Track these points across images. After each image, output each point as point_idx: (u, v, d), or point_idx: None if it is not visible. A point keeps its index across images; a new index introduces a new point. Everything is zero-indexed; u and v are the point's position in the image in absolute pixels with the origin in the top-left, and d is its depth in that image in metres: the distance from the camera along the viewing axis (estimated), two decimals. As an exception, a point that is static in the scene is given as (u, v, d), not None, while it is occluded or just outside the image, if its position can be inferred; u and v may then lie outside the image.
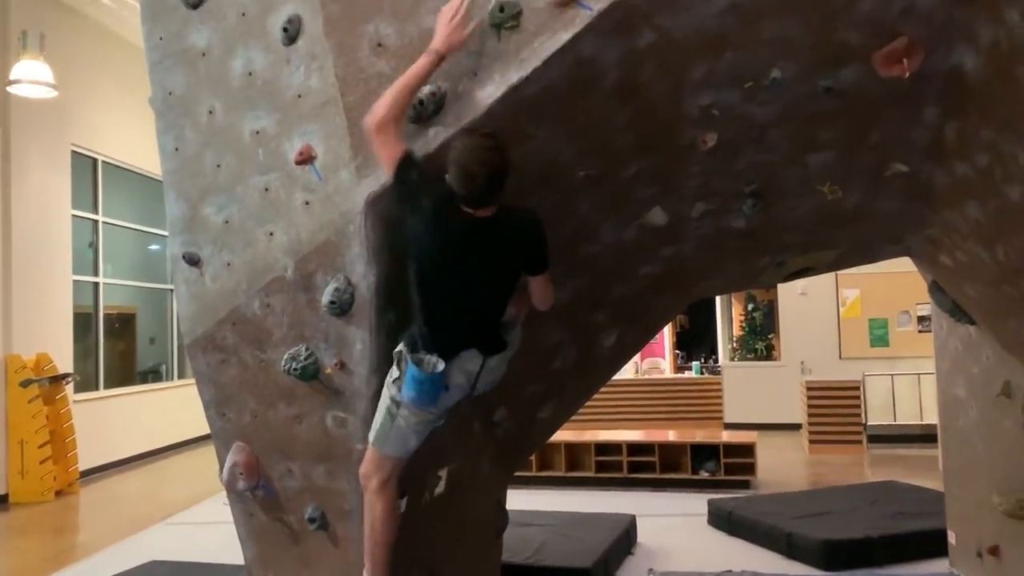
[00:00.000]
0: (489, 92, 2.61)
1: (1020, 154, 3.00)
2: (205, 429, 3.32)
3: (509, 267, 2.78)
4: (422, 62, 2.53)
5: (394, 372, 2.77)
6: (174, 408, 11.76)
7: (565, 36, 2.58)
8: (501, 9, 2.58)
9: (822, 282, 11.20)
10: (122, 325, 12.09)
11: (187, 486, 9.50)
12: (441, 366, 2.65)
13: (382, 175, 2.68)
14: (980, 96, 2.99)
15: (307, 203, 2.83)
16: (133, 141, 11.05)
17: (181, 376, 12.68)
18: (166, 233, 3.21)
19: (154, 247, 12.45)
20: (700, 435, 9.09)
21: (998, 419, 4.35)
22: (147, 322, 12.72)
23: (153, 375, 12.61)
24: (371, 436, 2.86)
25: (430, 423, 2.88)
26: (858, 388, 10.35)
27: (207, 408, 3.27)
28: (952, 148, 3.36)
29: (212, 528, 7.08)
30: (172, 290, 10.65)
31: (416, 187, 2.55)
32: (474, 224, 2.59)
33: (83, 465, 9.63)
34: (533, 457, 7.80)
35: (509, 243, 2.70)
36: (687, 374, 13.20)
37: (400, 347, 2.75)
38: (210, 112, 2.99)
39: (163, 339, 12.89)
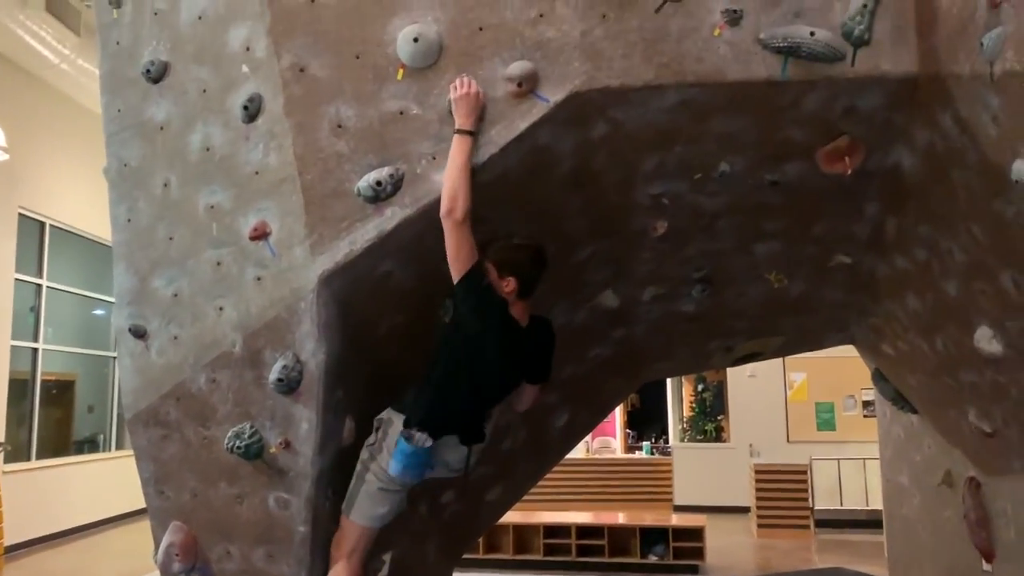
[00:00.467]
0: (446, 175, 2.65)
1: (955, 250, 3.12)
2: (142, 503, 3.21)
3: (524, 371, 3.00)
4: (462, 146, 2.57)
5: (371, 439, 2.85)
6: (110, 480, 11.33)
7: (522, 125, 2.65)
8: (460, 97, 2.64)
9: (770, 365, 11.37)
10: (60, 392, 11.71)
11: (121, 563, 9.09)
12: (429, 443, 2.74)
13: (337, 253, 2.70)
14: (917, 194, 3.12)
15: (259, 279, 2.81)
16: (83, 205, 10.93)
17: (119, 447, 12.26)
18: (112, 299, 3.17)
19: (98, 312, 12.18)
20: (649, 518, 9.04)
21: (940, 508, 4.41)
22: (87, 389, 12.35)
23: (90, 445, 12.17)
24: (345, 506, 2.91)
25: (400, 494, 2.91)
26: (805, 472, 10.43)
27: (145, 485, 3.16)
28: (892, 242, 3.49)
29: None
30: (115, 357, 10.40)
31: (482, 291, 2.69)
32: (521, 331, 2.83)
33: (10, 539, 9.17)
34: (480, 539, 7.66)
35: (535, 350, 2.97)
36: (638, 454, 13.18)
37: (385, 415, 2.84)
38: (165, 185, 2.98)
39: (102, 408, 12.50)
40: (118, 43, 3.09)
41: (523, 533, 8.38)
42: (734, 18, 2.66)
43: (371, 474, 2.84)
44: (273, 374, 2.79)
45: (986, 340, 3.19)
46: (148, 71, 2.97)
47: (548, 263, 2.85)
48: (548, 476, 7.66)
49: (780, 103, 2.80)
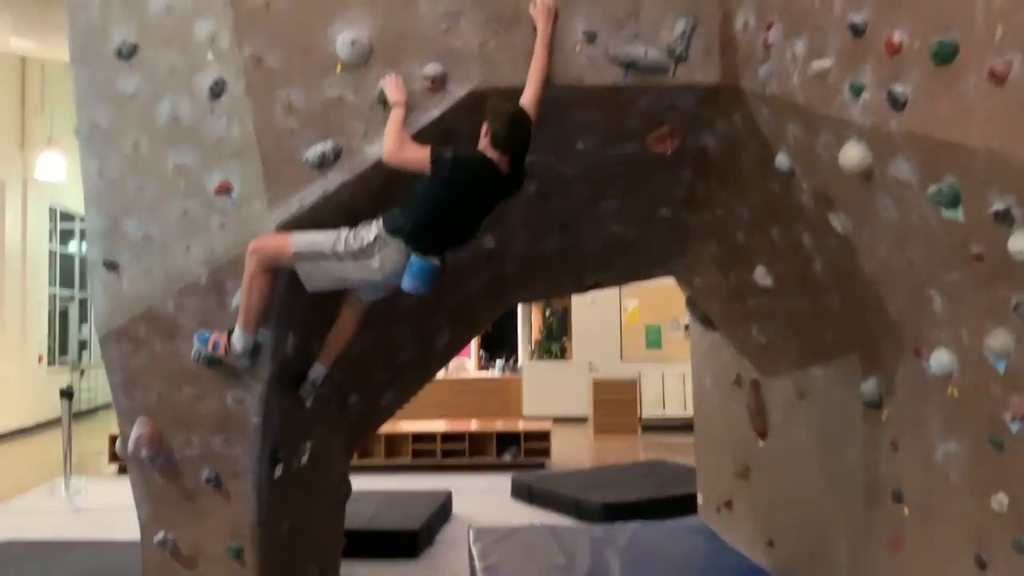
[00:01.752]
0: (376, 149, 3.48)
1: (743, 210, 4.28)
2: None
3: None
4: (398, 111, 3.37)
5: (352, 243, 3.39)
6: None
7: (434, 112, 3.51)
8: (387, 89, 3.47)
9: (608, 293, 12.77)
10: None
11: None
12: (436, 261, 3.44)
13: (290, 207, 3.48)
14: (718, 168, 4.23)
15: (223, 225, 3.55)
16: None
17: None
18: None
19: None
20: (501, 425, 10.25)
21: (732, 403, 5.73)
22: None
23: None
24: (297, 238, 3.39)
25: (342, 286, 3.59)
26: (635, 384, 11.97)
27: (115, 389, 3.85)
28: (700, 201, 4.61)
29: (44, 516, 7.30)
30: None
31: (452, 163, 3.31)
32: (502, 177, 3.44)
33: None
34: (355, 446, 8.58)
35: (507, 195, 3.58)
36: (491, 371, 14.41)
37: (375, 232, 3.38)
38: (135, 145, 3.63)
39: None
40: (87, 21, 3.65)
41: (393, 441, 9.38)
42: (591, 38, 3.61)
43: (342, 267, 3.37)
44: (235, 300, 3.56)
45: (761, 276, 4.39)
46: (120, 51, 3.58)
47: (524, 125, 3.41)
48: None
49: (622, 101, 3.79)
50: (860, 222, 3.15)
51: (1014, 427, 2.56)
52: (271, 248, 3.42)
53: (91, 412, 16.73)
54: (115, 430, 9.73)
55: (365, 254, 3.39)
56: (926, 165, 2.56)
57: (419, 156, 3.32)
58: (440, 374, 13.60)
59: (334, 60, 3.48)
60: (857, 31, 2.74)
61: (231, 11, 3.45)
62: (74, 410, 9.44)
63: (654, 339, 13.36)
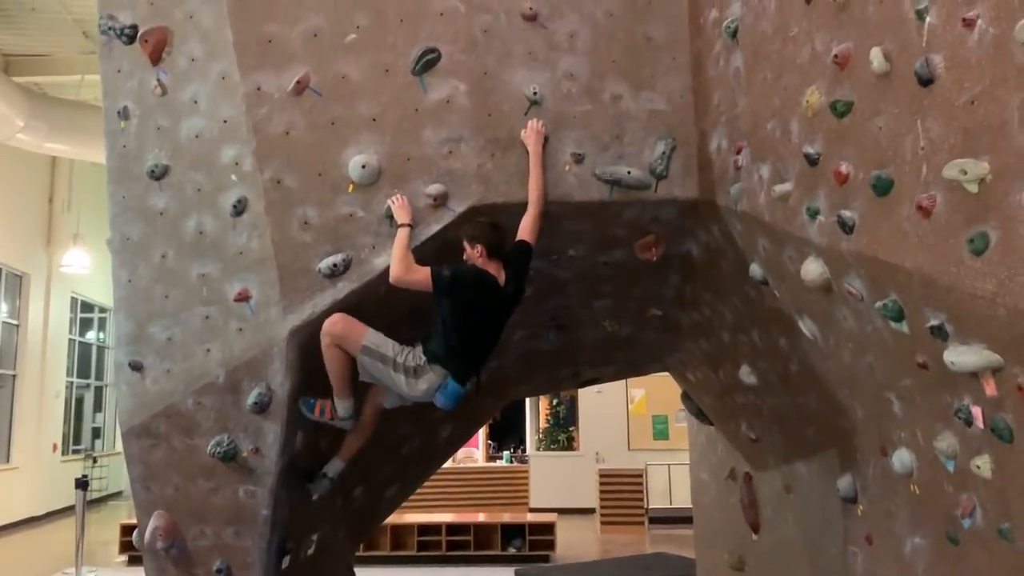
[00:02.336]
0: (383, 260, 3.82)
1: (726, 312, 4.56)
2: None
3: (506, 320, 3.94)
4: (404, 232, 3.75)
5: (406, 360, 3.77)
6: None
7: (436, 227, 3.86)
8: (393, 206, 3.82)
9: (615, 383, 12.97)
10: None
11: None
12: (470, 386, 3.85)
13: (302, 313, 3.80)
14: (702, 272, 4.53)
15: (240, 329, 3.86)
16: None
17: None
18: None
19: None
20: (508, 516, 10.33)
21: (727, 496, 5.89)
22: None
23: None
24: (370, 335, 3.74)
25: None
26: (641, 476, 12.04)
27: (134, 483, 4.09)
28: (688, 302, 4.90)
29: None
30: None
31: (451, 279, 3.66)
32: (500, 286, 3.76)
33: None
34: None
35: (516, 303, 3.89)
36: (498, 462, 14.49)
37: (420, 359, 3.77)
38: (163, 256, 3.97)
39: None
40: (124, 146, 4.05)
41: (398, 532, 9.47)
42: (578, 159, 3.98)
43: (395, 376, 3.74)
44: (250, 399, 3.84)
45: (746, 374, 4.64)
46: (152, 171, 3.96)
47: (503, 230, 3.76)
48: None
49: (608, 214, 4.13)
50: (825, 329, 3.42)
51: (965, 523, 2.76)
52: (342, 330, 3.74)
53: (101, 501, 16.81)
54: (126, 520, 9.90)
55: (416, 374, 3.79)
56: (874, 282, 2.84)
57: (422, 276, 3.66)
58: (448, 464, 13.74)
59: (346, 181, 3.85)
60: (811, 160, 3.07)
61: (254, 138, 3.84)
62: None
63: (661, 429, 13.48)
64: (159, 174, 3.98)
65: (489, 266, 3.76)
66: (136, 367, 4.01)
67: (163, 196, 3.99)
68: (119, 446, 16.67)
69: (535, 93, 3.91)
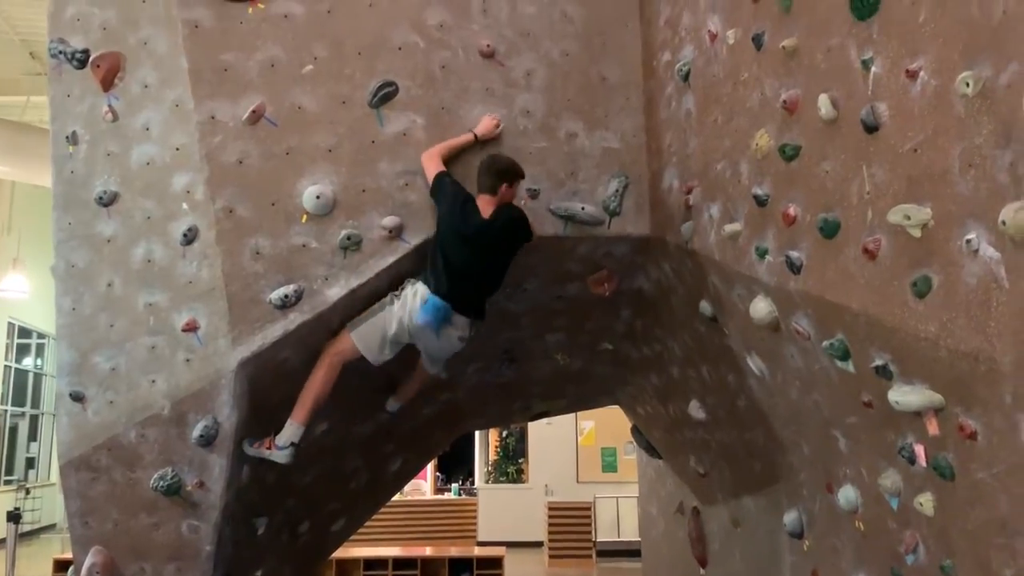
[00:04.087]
0: (336, 291, 3.78)
1: (675, 347, 4.61)
2: None
3: (508, 254, 3.89)
4: (465, 136, 3.89)
5: (402, 297, 3.76)
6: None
7: (392, 258, 3.84)
8: (348, 237, 3.80)
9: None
10: None
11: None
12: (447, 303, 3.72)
13: (252, 345, 3.73)
14: (652, 307, 4.59)
15: (188, 360, 3.78)
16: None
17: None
18: None
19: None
20: (456, 550, 10.21)
21: (675, 531, 5.92)
22: None
23: None
24: (351, 325, 3.78)
25: (400, 345, 3.87)
26: (590, 509, 12.02)
27: (71, 517, 3.95)
28: (639, 336, 4.95)
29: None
30: None
31: (438, 185, 3.75)
32: (486, 222, 3.72)
33: None
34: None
35: (505, 233, 3.80)
36: (447, 495, 14.35)
37: (408, 281, 3.77)
38: (109, 284, 3.88)
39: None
40: (72, 172, 3.97)
41: (344, 566, 9.29)
42: (534, 194, 4.01)
43: (385, 316, 3.75)
44: (196, 431, 3.75)
45: (695, 409, 4.69)
46: (100, 198, 3.89)
47: (491, 164, 3.80)
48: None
49: (563, 249, 4.17)
50: (773, 367, 3.48)
51: (909, 559, 2.82)
52: (342, 348, 3.82)
53: (34, 534, 16.18)
54: (60, 555, 9.53)
55: (398, 297, 3.80)
56: (820, 322, 2.91)
57: (433, 168, 3.81)
58: (395, 496, 13.56)
59: (300, 211, 3.82)
60: (760, 202, 3.15)
61: (207, 166, 3.79)
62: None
63: (610, 462, 13.50)
64: (108, 200, 3.90)
65: (480, 200, 3.79)
66: (78, 397, 3.89)
67: (111, 223, 3.91)
68: (54, 476, 16.15)
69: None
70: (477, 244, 3.76)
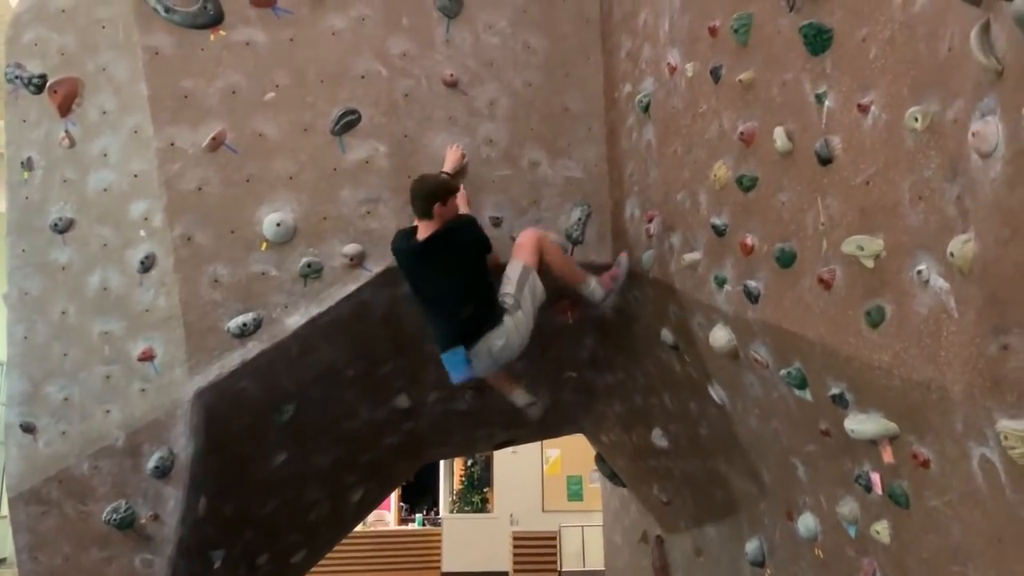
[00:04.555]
0: (295, 320, 3.75)
1: (638, 375, 4.63)
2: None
3: (462, 264, 3.71)
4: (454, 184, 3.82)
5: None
6: None
7: (353, 286, 3.82)
8: (309, 265, 3.77)
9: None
10: None
11: None
12: (444, 354, 3.70)
13: (209, 374, 3.68)
14: (616, 335, 4.61)
15: (143, 390, 3.71)
16: None
17: None
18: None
19: None
20: (420, 582, 10.08)
21: (640, 559, 5.90)
22: None
23: None
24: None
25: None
26: (555, 538, 11.94)
27: (19, 553, 3.84)
28: (603, 364, 4.96)
29: None
30: None
31: (395, 240, 3.76)
32: (422, 245, 3.64)
33: None
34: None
35: (454, 247, 3.66)
36: (410, 526, 14.17)
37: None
38: (63, 312, 3.81)
39: None
40: (27, 198, 3.90)
41: (305, 600, 9.10)
42: (497, 222, 4.02)
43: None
44: (151, 463, 3.67)
45: (658, 437, 4.70)
46: (56, 225, 3.82)
47: (418, 189, 3.66)
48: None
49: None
50: (733, 395, 3.51)
51: (867, 587, 2.83)
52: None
53: (-19, 569, 15.67)
54: (9, 591, 9.24)
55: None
56: (778, 351, 2.94)
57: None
58: (358, 527, 13.36)
59: (260, 239, 3.79)
60: (719, 231, 3.18)
61: (166, 193, 3.75)
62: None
63: (575, 490, 13.43)
64: (63, 227, 3.84)
65: (422, 226, 3.70)
66: (28, 428, 3.80)
67: (66, 250, 3.85)
68: (4, 510, 15.65)
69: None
70: (425, 262, 3.68)
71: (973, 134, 1.86)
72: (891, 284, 2.29)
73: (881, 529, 2.62)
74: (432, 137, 4.00)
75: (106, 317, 3.77)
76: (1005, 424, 1.85)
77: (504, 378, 4.27)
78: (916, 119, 2.14)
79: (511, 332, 3.67)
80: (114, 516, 3.71)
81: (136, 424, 3.72)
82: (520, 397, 4.26)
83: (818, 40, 2.55)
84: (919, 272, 2.15)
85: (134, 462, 3.73)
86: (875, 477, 2.60)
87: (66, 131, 3.91)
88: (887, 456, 2.49)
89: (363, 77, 3.97)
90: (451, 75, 4.05)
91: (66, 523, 3.79)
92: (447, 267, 3.70)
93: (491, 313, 3.65)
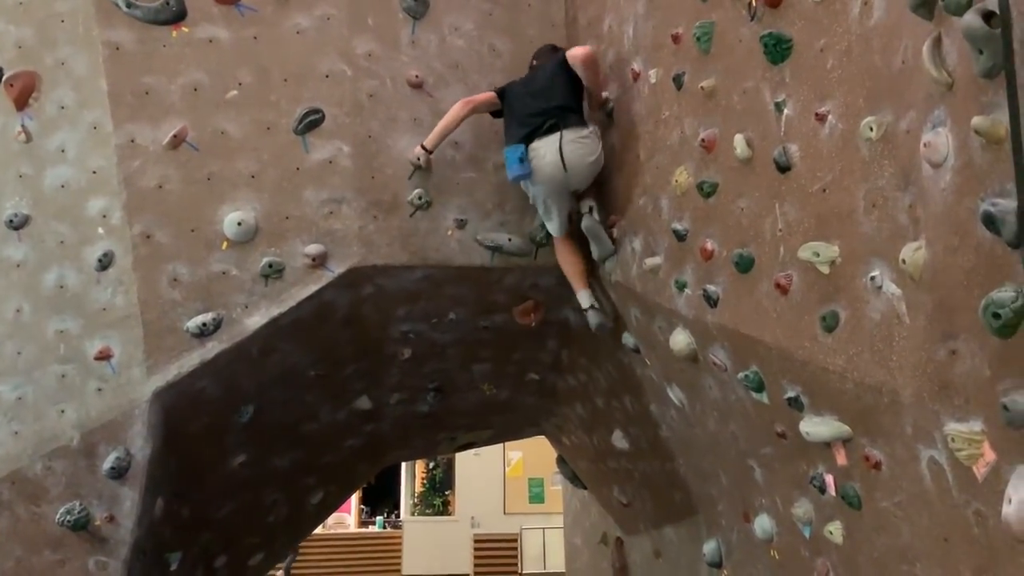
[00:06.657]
0: (256, 320, 3.72)
1: (600, 377, 4.67)
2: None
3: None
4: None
5: None
6: None
7: (314, 287, 3.80)
8: (270, 265, 3.75)
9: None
10: None
11: None
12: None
13: (168, 374, 3.63)
14: (578, 338, 4.63)
15: (100, 390, 3.65)
16: None
17: None
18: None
19: None
20: (380, 585, 10.04)
21: (599, 561, 5.94)
22: None
23: None
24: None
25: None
26: (516, 540, 11.97)
27: (-32, 556, 3.76)
28: (565, 367, 4.99)
29: None
30: None
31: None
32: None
33: None
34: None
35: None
36: (371, 528, 14.10)
37: None
38: (17, 311, 3.73)
39: None
40: (-20, 193, 3.82)
41: (263, 603, 9.01)
42: (461, 224, 4.03)
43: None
44: (107, 463, 3.61)
45: (619, 439, 4.74)
46: (11, 221, 3.75)
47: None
48: (290, 548, 8.46)
49: (489, 279, 4.18)
50: (692, 397, 3.55)
51: (821, 587, 2.89)
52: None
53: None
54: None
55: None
56: (736, 354, 2.98)
57: (487, 104, 3.99)
58: (318, 529, 13.26)
59: (221, 238, 3.75)
60: (680, 236, 3.22)
61: (125, 190, 3.70)
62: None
63: (537, 493, 13.47)
64: (18, 224, 3.77)
65: None
66: (-22, 428, 3.72)
67: (21, 247, 3.77)
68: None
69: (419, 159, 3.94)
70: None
71: (925, 145, 1.91)
72: (845, 290, 2.34)
73: (834, 530, 2.67)
74: (396, 138, 4.00)
75: (62, 315, 3.70)
76: (952, 427, 1.90)
77: (577, 268, 4.07)
78: (871, 129, 2.19)
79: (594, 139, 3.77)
80: (68, 517, 3.64)
81: (92, 424, 3.65)
82: (585, 298, 4.04)
83: (778, 49, 2.60)
84: (872, 278, 2.20)
85: (89, 463, 3.66)
86: (829, 479, 2.65)
87: (22, 125, 3.83)
88: (840, 458, 2.54)
89: (327, 77, 3.95)
90: (416, 76, 4.05)
91: (18, 525, 3.71)
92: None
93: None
